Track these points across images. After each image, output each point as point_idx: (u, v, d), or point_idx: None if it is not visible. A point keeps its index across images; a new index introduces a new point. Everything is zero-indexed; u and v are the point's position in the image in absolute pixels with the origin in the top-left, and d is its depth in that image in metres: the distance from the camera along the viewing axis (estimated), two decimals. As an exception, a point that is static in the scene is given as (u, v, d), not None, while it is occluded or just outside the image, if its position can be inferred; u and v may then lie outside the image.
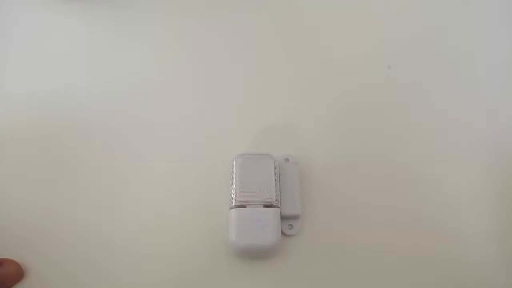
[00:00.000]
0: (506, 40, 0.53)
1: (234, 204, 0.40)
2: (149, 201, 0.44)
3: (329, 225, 0.43)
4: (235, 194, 0.40)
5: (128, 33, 0.53)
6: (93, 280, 0.40)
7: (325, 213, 0.43)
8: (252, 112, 0.48)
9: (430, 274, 0.41)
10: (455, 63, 0.51)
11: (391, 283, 0.41)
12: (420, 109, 0.49)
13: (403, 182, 0.45)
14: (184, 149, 0.46)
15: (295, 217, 0.42)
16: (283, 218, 0.41)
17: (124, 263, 0.41)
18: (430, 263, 0.41)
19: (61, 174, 0.45)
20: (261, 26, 0.54)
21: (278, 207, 0.40)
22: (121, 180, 0.45)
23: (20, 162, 0.46)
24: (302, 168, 0.45)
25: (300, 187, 0.43)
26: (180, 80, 0.51)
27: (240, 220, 0.39)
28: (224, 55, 0.52)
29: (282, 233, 0.41)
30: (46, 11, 0.54)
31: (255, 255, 0.41)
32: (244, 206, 0.40)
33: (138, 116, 0.48)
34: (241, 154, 0.43)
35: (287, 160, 0.44)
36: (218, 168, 0.45)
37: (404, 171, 0.45)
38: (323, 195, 0.44)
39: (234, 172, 0.41)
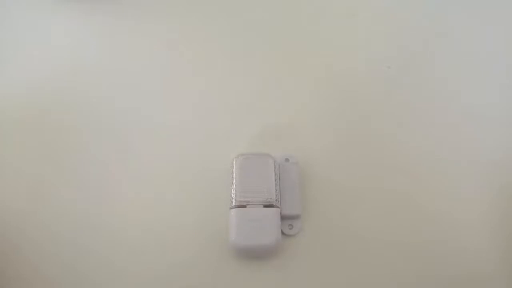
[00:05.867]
0: (508, 42, 0.53)
1: (234, 204, 0.40)
2: (149, 201, 0.44)
3: (329, 225, 0.43)
4: (235, 194, 0.40)
5: (127, 33, 0.53)
6: (94, 279, 0.41)
7: (325, 213, 0.43)
8: (252, 112, 0.48)
9: (432, 275, 0.41)
10: (456, 64, 0.51)
11: (392, 284, 0.40)
12: (421, 108, 0.49)
13: (403, 182, 0.45)
14: (184, 149, 0.46)
15: (295, 217, 0.42)
16: (283, 218, 0.41)
17: (123, 262, 0.41)
18: (432, 263, 0.41)
19: (61, 176, 0.45)
20: (261, 26, 0.54)
21: (278, 207, 0.40)
22: (121, 179, 0.45)
23: (20, 159, 0.46)
24: (302, 168, 0.45)
25: (300, 187, 0.43)
26: (180, 80, 0.51)
27: (240, 220, 0.39)
28: (224, 55, 0.52)
29: (282, 233, 0.41)
30: (46, 11, 0.54)
31: (255, 255, 0.41)
32: (244, 206, 0.40)
33: (137, 116, 0.48)
34: (241, 154, 0.43)
35: (287, 160, 0.44)
36: (218, 168, 0.45)
37: (404, 171, 0.45)
38: (323, 195, 0.44)
39: (234, 172, 0.41)
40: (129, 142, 0.47)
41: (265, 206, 0.40)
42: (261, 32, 0.53)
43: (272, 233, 0.39)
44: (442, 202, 0.44)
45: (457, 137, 0.47)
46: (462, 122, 0.48)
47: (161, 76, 0.51)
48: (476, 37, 0.53)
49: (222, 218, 0.41)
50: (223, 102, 0.49)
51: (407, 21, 0.54)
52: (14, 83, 0.50)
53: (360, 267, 0.41)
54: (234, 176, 0.41)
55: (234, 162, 0.42)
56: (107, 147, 0.46)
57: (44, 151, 0.46)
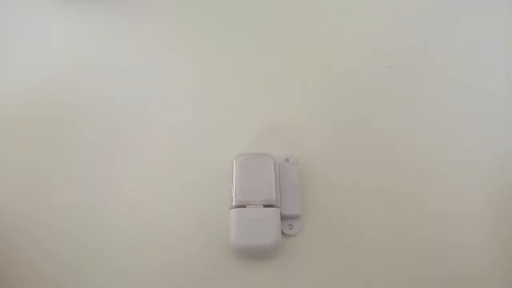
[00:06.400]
0: (508, 42, 0.53)
1: (234, 204, 0.40)
2: (149, 201, 0.44)
3: (329, 225, 0.43)
4: (235, 194, 0.40)
5: (127, 33, 0.53)
6: (94, 279, 0.41)
7: (325, 213, 0.43)
8: (252, 112, 0.48)
9: (431, 275, 0.41)
10: (456, 64, 0.51)
11: (391, 283, 0.41)
12: (420, 108, 0.49)
13: (403, 182, 0.45)
14: (184, 149, 0.46)
15: (295, 217, 0.42)
16: (283, 218, 0.41)
17: (123, 262, 0.41)
18: (431, 263, 0.41)
19: (61, 176, 0.45)
20: (261, 26, 0.54)
21: (278, 207, 0.40)
22: (121, 179, 0.45)
23: (20, 158, 0.46)
24: (302, 168, 0.45)
25: (300, 187, 0.43)
26: (180, 80, 0.51)
27: (240, 220, 0.39)
28: (224, 55, 0.52)
29: (282, 233, 0.41)
30: (46, 11, 0.54)
31: (255, 255, 0.41)
32: (244, 206, 0.40)
33: (137, 116, 0.48)
34: (241, 154, 0.43)
35: (287, 160, 0.44)
36: (218, 168, 0.45)
37: (404, 170, 0.45)
38: (323, 195, 0.44)
39: (234, 172, 0.41)
40: (129, 142, 0.47)
41: (265, 206, 0.40)
42: (261, 32, 0.53)
43: (272, 233, 0.39)
44: (441, 202, 0.44)
45: (456, 137, 0.47)
46: (462, 122, 0.48)
47: (161, 76, 0.51)
48: (476, 37, 0.53)
49: (222, 218, 0.41)
50: (223, 102, 0.49)
51: (407, 21, 0.54)
52: (14, 83, 0.50)
53: (360, 266, 0.41)
54: (234, 176, 0.41)
55: (234, 162, 0.42)
56: (107, 147, 0.46)
57: (44, 151, 0.46)
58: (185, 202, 0.44)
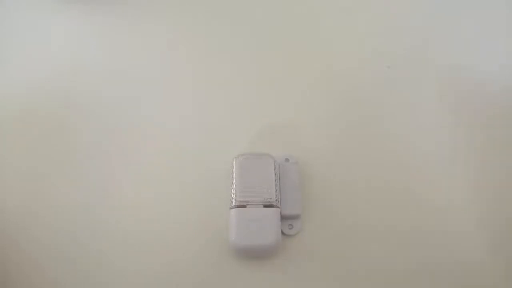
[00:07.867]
0: (508, 42, 0.53)
1: (234, 204, 0.40)
2: (149, 201, 0.44)
3: (329, 225, 0.43)
4: (235, 194, 0.40)
5: (127, 33, 0.53)
6: (94, 278, 0.41)
7: (325, 213, 0.43)
8: (253, 112, 0.48)
9: (431, 275, 0.41)
10: (455, 64, 0.51)
11: (391, 283, 0.40)
12: (420, 108, 0.49)
13: (403, 181, 0.45)
14: (184, 149, 0.46)
15: (295, 217, 0.42)
16: (283, 218, 0.41)
17: (124, 262, 0.41)
18: (431, 263, 0.41)
19: (61, 175, 0.45)
20: (261, 26, 0.54)
21: (278, 207, 0.40)
22: (121, 179, 0.45)
23: (21, 158, 0.46)
24: (302, 168, 0.45)
25: (300, 187, 0.43)
26: (180, 80, 0.51)
27: (240, 220, 0.39)
28: (224, 55, 0.52)
29: (282, 233, 0.41)
30: (46, 11, 0.54)
31: (255, 255, 0.41)
32: (244, 206, 0.40)
33: (137, 116, 0.48)
34: (241, 154, 0.43)
35: (287, 160, 0.44)
36: (218, 168, 0.45)
37: (404, 170, 0.45)
38: (323, 194, 0.44)
39: (234, 172, 0.41)
40: (129, 142, 0.47)
41: (265, 206, 0.40)
42: (261, 32, 0.53)
43: (272, 233, 0.39)
44: (441, 202, 0.44)
45: (456, 137, 0.47)
46: (461, 121, 0.48)
47: (161, 76, 0.51)
48: (476, 37, 0.53)
49: (222, 218, 0.42)
50: (223, 102, 0.49)
51: (407, 21, 0.54)
52: (14, 83, 0.50)
53: (360, 266, 0.41)
54: (234, 176, 0.41)
55: (234, 162, 0.42)
56: (107, 147, 0.46)
57: (44, 150, 0.46)
58: (185, 202, 0.44)
